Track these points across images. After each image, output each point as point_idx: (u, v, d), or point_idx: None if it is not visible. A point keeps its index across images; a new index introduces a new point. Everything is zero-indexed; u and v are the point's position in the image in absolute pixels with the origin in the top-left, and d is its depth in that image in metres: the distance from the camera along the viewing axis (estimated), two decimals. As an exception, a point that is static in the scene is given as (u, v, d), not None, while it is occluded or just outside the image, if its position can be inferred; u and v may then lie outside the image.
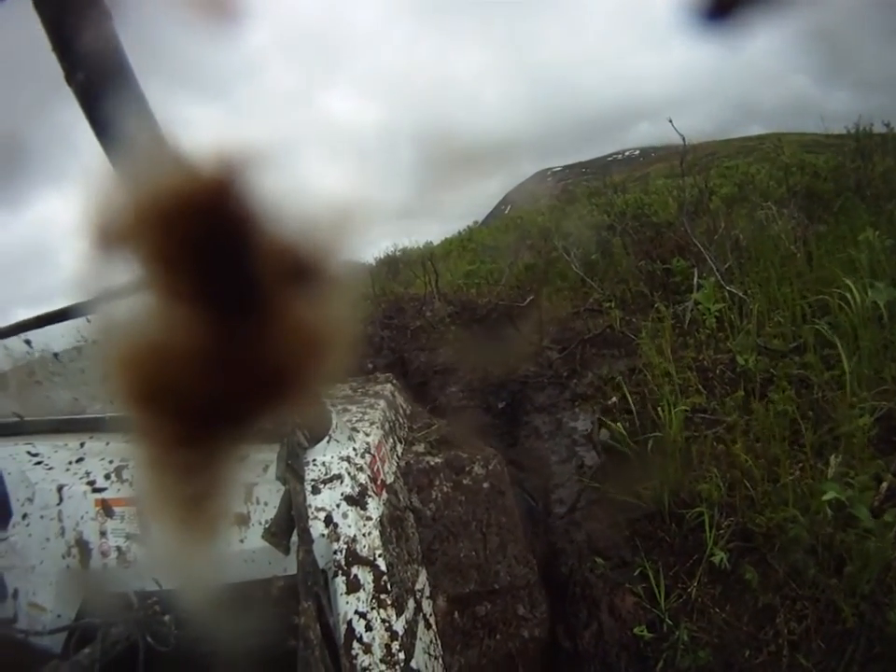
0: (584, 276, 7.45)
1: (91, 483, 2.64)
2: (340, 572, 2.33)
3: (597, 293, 7.06)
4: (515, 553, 3.10)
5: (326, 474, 2.49)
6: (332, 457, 2.54)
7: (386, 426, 3.16)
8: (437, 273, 8.28)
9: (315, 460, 2.52)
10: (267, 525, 2.23)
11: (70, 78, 1.24)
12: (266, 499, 2.42)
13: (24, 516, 2.63)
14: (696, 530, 3.61)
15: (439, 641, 2.74)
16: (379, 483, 2.64)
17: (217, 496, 0.54)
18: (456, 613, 2.88)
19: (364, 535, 2.40)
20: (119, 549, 2.52)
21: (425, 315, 7.39)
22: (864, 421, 3.45)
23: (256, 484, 2.44)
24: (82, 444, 2.82)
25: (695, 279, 6.01)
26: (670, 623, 3.26)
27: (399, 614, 2.37)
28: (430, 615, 2.73)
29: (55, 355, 3.25)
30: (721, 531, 3.49)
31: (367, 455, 2.65)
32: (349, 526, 2.40)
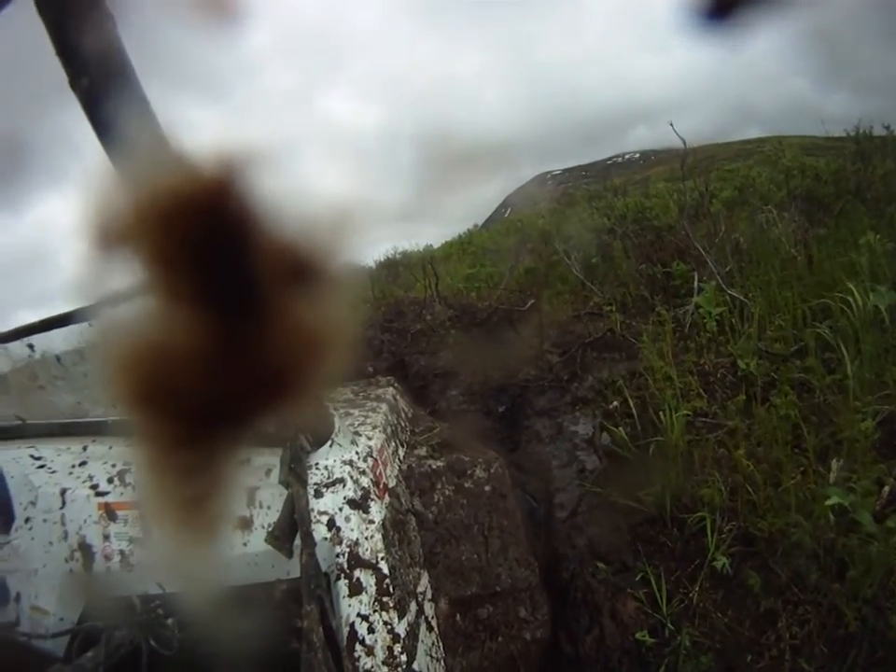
0: (585, 280, 7.44)
1: (94, 487, 2.64)
2: (342, 575, 2.34)
3: (598, 297, 7.05)
4: (517, 555, 3.10)
5: (328, 478, 2.49)
6: (335, 461, 2.55)
7: (388, 429, 3.17)
8: (437, 276, 8.26)
9: (317, 464, 2.53)
10: (270, 529, 2.24)
11: (74, 84, 1.25)
12: (269, 503, 2.42)
13: (27, 520, 2.63)
14: (698, 535, 3.61)
15: (441, 644, 2.74)
16: (381, 486, 2.65)
17: (218, 497, 0.54)
18: (458, 616, 2.88)
19: (366, 538, 2.41)
20: (122, 552, 2.52)
21: (425, 318, 7.38)
22: (866, 425, 3.44)
23: (259, 488, 2.45)
24: (85, 448, 2.83)
25: (696, 283, 6.00)
26: (672, 628, 3.26)
27: (401, 617, 2.37)
28: (432, 618, 2.74)
29: (58, 358, 3.26)
30: (723, 536, 3.48)
31: (369, 459, 2.65)
32: (352, 530, 2.40)
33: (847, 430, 3.53)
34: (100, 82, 1.25)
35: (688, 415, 4.21)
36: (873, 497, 3.11)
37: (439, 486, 3.08)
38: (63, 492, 2.65)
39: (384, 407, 3.40)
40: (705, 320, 5.43)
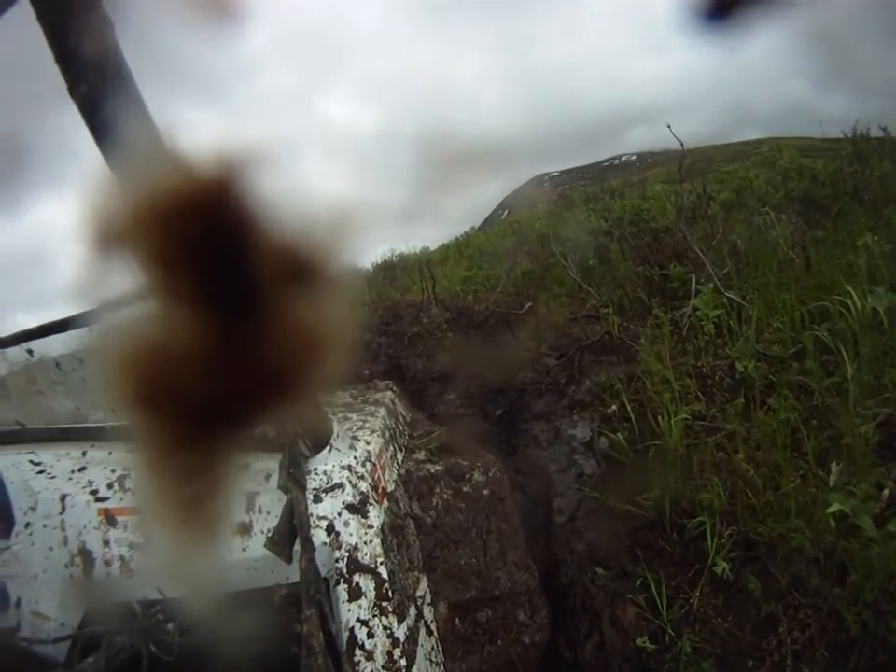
0: (582, 282, 7.45)
1: (93, 493, 2.64)
2: (342, 580, 2.34)
3: (595, 299, 7.05)
4: (515, 559, 3.11)
5: (327, 483, 2.50)
6: (334, 466, 2.55)
7: (387, 434, 3.17)
8: (434, 278, 8.26)
9: (316, 469, 2.53)
10: (269, 534, 2.24)
11: (73, 90, 1.26)
12: (268, 508, 2.43)
13: (27, 525, 2.64)
14: (698, 540, 3.61)
15: (440, 648, 2.74)
16: (380, 491, 2.65)
17: (217, 498, 0.55)
18: (457, 620, 2.88)
19: (365, 543, 2.41)
20: (122, 558, 2.53)
21: (422, 321, 7.37)
22: (866, 429, 3.45)
23: (258, 494, 2.45)
24: (84, 453, 2.83)
25: (693, 285, 6.01)
26: (672, 633, 3.26)
27: (400, 621, 2.38)
28: (432, 622, 2.74)
29: (57, 363, 3.26)
30: (723, 540, 3.49)
31: (368, 464, 2.66)
32: (351, 535, 2.40)
33: (847, 434, 3.53)
34: (98, 89, 1.25)
35: (686, 419, 4.21)
36: (873, 502, 3.11)
37: (437, 490, 3.09)
38: (63, 497, 2.65)
39: (382, 411, 3.40)
40: (702, 323, 5.44)
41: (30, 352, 3.16)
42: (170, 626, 2.30)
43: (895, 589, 2.91)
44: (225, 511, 0.56)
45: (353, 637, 2.27)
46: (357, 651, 2.25)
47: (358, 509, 2.47)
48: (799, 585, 3.14)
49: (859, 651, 2.84)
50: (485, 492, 3.17)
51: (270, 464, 2.40)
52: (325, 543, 2.37)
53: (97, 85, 1.25)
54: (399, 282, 10.92)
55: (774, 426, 3.86)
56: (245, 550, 2.41)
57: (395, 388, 4.28)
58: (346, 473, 2.54)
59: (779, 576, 3.21)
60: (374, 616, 2.32)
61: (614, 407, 5.01)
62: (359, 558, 2.38)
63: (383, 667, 2.25)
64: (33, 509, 2.66)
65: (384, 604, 2.35)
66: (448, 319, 7.29)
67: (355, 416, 3.26)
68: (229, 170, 0.44)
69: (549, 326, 6.71)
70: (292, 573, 2.18)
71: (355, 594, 2.33)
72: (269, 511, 2.42)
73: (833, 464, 3.50)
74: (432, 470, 3.17)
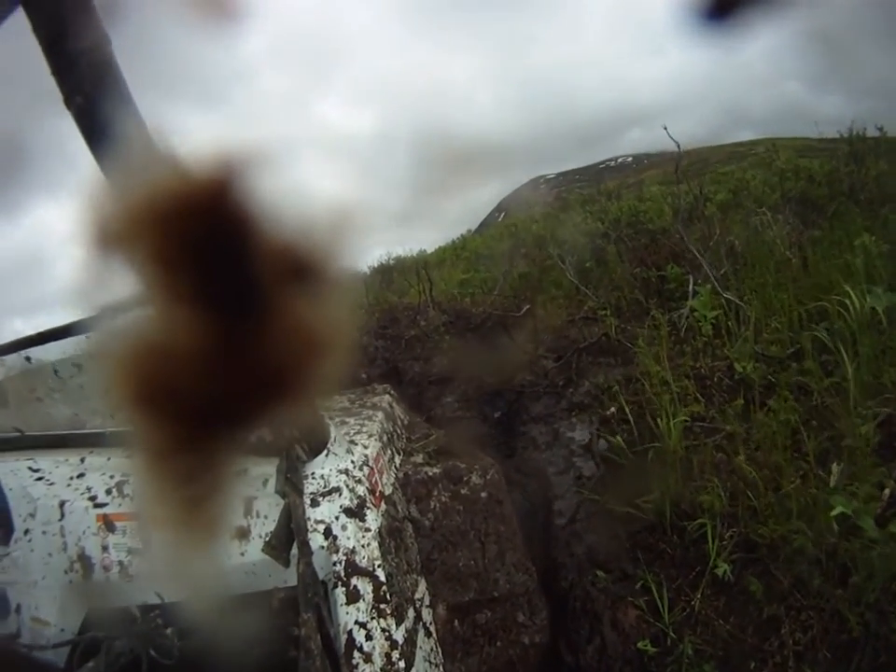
0: (579, 284, 7.44)
1: (92, 499, 2.65)
2: (339, 583, 2.35)
3: (592, 301, 7.04)
4: (514, 560, 3.11)
5: (325, 487, 2.51)
6: (331, 470, 2.56)
7: (384, 437, 3.18)
8: (431, 281, 8.25)
9: (313, 473, 2.54)
10: (267, 538, 2.25)
11: (69, 102, 1.27)
12: (266, 513, 2.43)
13: (26, 532, 2.64)
14: (698, 542, 3.61)
15: (439, 649, 2.75)
16: (377, 494, 2.66)
17: (217, 501, 0.55)
18: (456, 621, 2.89)
19: (363, 546, 2.42)
20: (121, 563, 2.53)
21: (419, 324, 7.36)
22: (866, 429, 3.45)
23: (256, 498, 2.46)
24: (83, 459, 2.83)
25: (691, 286, 6.01)
26: (674, 636, 3.26)
27: (398, 623, 2.38)
28: (430, 624, 2.75)
29: (55, 370, 3.26)
30: (724, 542, 3.48)
31: (365, 468, 2.66)
32: (348, 538, 2.41)
33: (848, 434, 3.53)
34: (94, 100, 1.26)
35: (685, 421, 4.21)
36: (875, 502, 3.11)
37: (435, 493, 3.09)
38: (62, 504, 2.65)
39: (379, 415, 3.40)
40: (700, 324, 5.44)
41: (28, 359, 3.17)
42: (169, 631, 2.30)
43: (897, 589, 2.91)
44: (224, 514, 0.57)
45: (351, 639, 2.28)
46: (356, 654, 2.26)
47: (356, 512, 2.48)
48: (801, 586, 3.14)
49: (861, 652, 2.83)
50: (483, 494, 3.18)
51: (267, 469, 2.40)
52: (322, 547, 2.38)
53: (93, 96, 1.26)
54: (395, 285, 10.91)
55: (774, 426, 3.85)
56: (243, 554, 2.41)
57: (392, 392, 4.28)
58: (343, 477, 2.55)
59: (781, 577, 3.21)
60: (372, 618, 2.33)
61: (613, 409, 5.00)
62: (357, 561, 2.39)
63: (381, 669, 2.26)
64: (32, 515, 2.66)
65: (382, 606, 2.36)
66: (445, 322, 7.28)
67: (352, 420, 3.27)
68: (228, 171, 0.44)
69: (546, 328, 6.70)
70: (290, 577, 2.18)
71: (353, 596, 2.33)
72: (266, 516, 2.42)
73: (834, 464, 3.50)
74: (430, 473, 3.17)
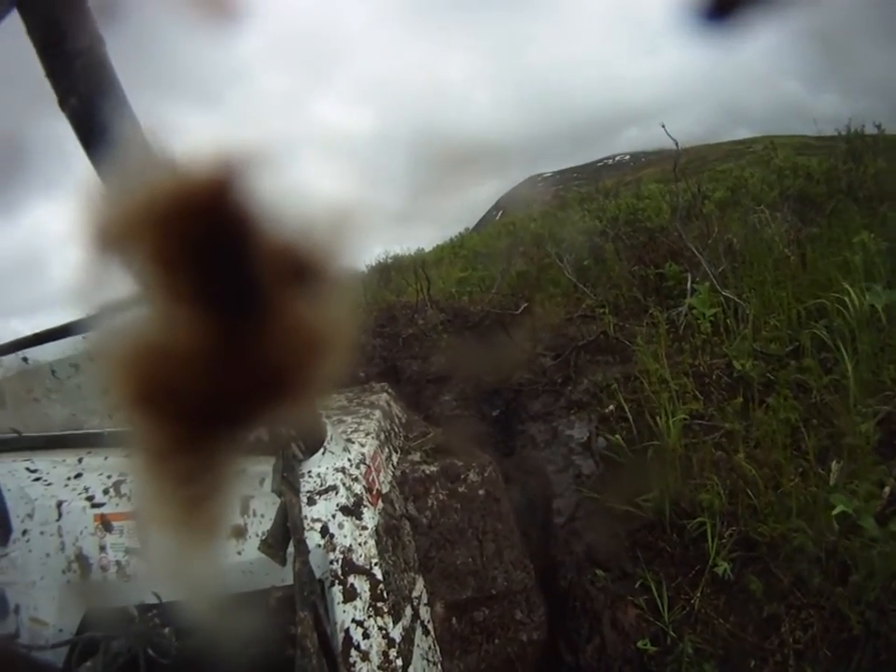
0: (577, 282, 7.44)
1: (89, 499, 2.65)
2: (336, 582, 2.35)
3: (590, 299, 7.04)
4: (511, 558, 3.11)
5: (321, 485, 2.51)
6: (327, 469, 2.56)
7: (382, 435, 3.18)
8: (429, 280, 8.25)
9: (310, 472, 2.54)
10: (263, 537, 2.25)
11: (63, 104, 1.27)
12: (263, 511, 2.43)
13: (24, 532, 2.64)
14: (698, 540, 3.60)
15: (437, 647, 2.75)
16: (374, 492, 2.66)
17: (217, 500, 0.55)
18: (454, 619, 2.89)
19: (360, 544, 2.42)
20: (118, 563, 2.54)
21: (417, 322, 7.36)
22: (866, 427, 3.45)
23: (252, 497, 2.46)
24: (80, 460, 2.83)
25: (689, 284, 6.01)
26: (674, 635, 3.25)
27: (395, 621, 2.38)
28: (428, 622, 2.75)
29: (52, 371, 3.27)
30: (724, 541, 3.47)
31: (362, 466, 2.67)
32: (345, 536, 2.41)
33: (848, 432, 3.53)
34: (88, 102, 1.27)
35: (685, 419, 4.20)
36: (876, 501, 3.11)
37: (433, 491, 3.09)
38: (60, 504, 2.65)
39: (377, 413, 3.40)
40: (699, 321, 5.43)
41: (25, 359, 3.17)
42: (167, 630, 2.31)
43: (897, 588, 2.90)
44: (224, 513, 0.57)
45: (348, 637, 2.28)
46: (353, 652, 2.26)
47: (352, 510, 2.48)
48: (801, 585, 3.13)
49: (861, 651, 2.83)
50: (481, 492, 3.18)
51: (264, 468, 2.41)
52: (319, 545, 2.38)
53: (87, 98, 1.27)
54: (394, 284, 10.92)
55: (773, 425, 3.85)
56: (240, 553, 2.42)
57: (390, 390, 4.28)
58: (340, 475, 2.55)
59: (781, 576, 3.20)
60: (369, 617, 2.33)
61: (612, 407, 5.00)
62: (354, 560, 2.39)
63: (378, 667, 2.26)
64: (30, 516, 2.66)
65: (379, 605, 2.36)
66: (443, 321, 7.28)
67: (350, 419, 3.27)
68: (228, 170, 0.44)
69: (544, 326, 6.70)
70: (287, 576, 2.18)
71: (350, 595, 2.34)
72: (263, 515, 2.43)
73: (834, 462, 3.50)
74: (427, 471, 3.17)
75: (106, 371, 0.48)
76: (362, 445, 2.83)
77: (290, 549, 2.18)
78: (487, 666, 2.90)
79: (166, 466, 0.52)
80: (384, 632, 2.32)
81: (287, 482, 2.32)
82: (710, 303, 5.48)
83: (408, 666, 2.35)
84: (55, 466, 2.84)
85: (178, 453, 0.51)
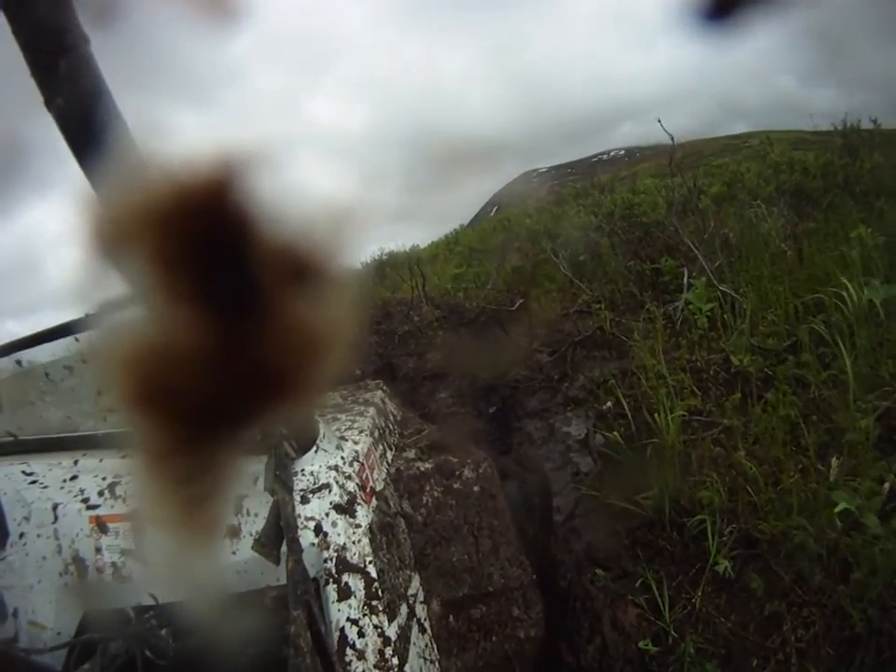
0: (573, 278, 7.45)
1: (85, 501, 2.65)
2: (331, 580, 2.35)
3: (586, 294, 7.06)
4: (508, 555, 3.10)
5: (314, 484, 2.51)
6: (320, 467, 2.56)
7: (376, 433, 3.18)
8: (424, 276, 8.27)
9: (303, 470, 2.54)
10: (256, 536, 2.25)
11: (49, 104, 1.27)
12: (256, 511, 2.43)
13: (21, 536, 2.64)
14: (698, 538, 3.59)
15: (434, 645, 2.74)
16: (368, 490, 2.66)
17: (215, 500, 0.55)
18: (451, 617, 2.88)
19: (354, 542, 2.42)
20: (114, 564, 2.53)
21: (412, 319, 7.38)
22: (866, 423, 3.45)
23: (246, 496, 2.45)
24: (76, 462, 2.83)
25: (686, 279, 6.02)
26: (675, 634, 3.24)
27: (391, 620, 2.38)
28: (424, 619, 2.74)
29: (46, 374, 3.26)
30: (724, 538, 3.47)
31: (355, 464, 2.66)
32: (339, 535, 2.41)
33: (848, 429, 3.53)
34: (74, 102, 1.27)
35: (683, 415, 4.21)
36: (877, 497, 3.11)
37: (427, 488, 3.09)
38: (55, 507, 2.65)
39: (371, 410, 3.40)
40: (695, 316, 5.45)
41: (18, 362, 3.17)
42: (164, 631, 2.31)
43: (900, 586, 2.90)
44: (222, 514, 0.56)
45: (343, 636, 2.28)
46: (349, 651, 2.26)
47: (346, 509, 2.48)
48: (802, 583, 3.13)
49: (864, 648, 2.82)
50: (476, 488, 3.17)
51: (257, 467, 2.40)
52: (313, 544, 2.38)
53: (73, 98, 1.27)
54: (389, 280, 10.92)
55: (773, 421, 3.85)
56: (234, 553, 2.41)
57: (385, 388, 4.28)
58: (333, 473, 2.55)
59: (782, 574, 3.19)
60: (364, 615, 2.33)
61: (609, 403, 5.00)
62: (348, 558, 2.38)
63: (374, 666, 2.26)
64: (26, 519, 2.66)
65: (374, 603, 2.36)
66: (439, 317, 7.30)
67: (344, 416, 3.27)
68: (226, 170, 0.44)
69: (540, 322, 6.72)
70: (283, 575, 2.18)
71: (344, 593, 2.33)
72: (257, 514, 2.42)
73: (834, 458, 3.49)
74: (422, 468, 3.17)
75: (104, 372, 0.48)
76: (356, 443, 2.83)
77: (284, 548, 2.18)
78: (485, 664, 2.89)
79: (165, 466, 0.51)
80: (379, 630, 2.32)
81: (280, 480, 2.31)
82: (707, 298, 5.49)
83: (404, 665, 2.35)
84: (51, 468, 2.83)
85: (177, 453, 0.51)
